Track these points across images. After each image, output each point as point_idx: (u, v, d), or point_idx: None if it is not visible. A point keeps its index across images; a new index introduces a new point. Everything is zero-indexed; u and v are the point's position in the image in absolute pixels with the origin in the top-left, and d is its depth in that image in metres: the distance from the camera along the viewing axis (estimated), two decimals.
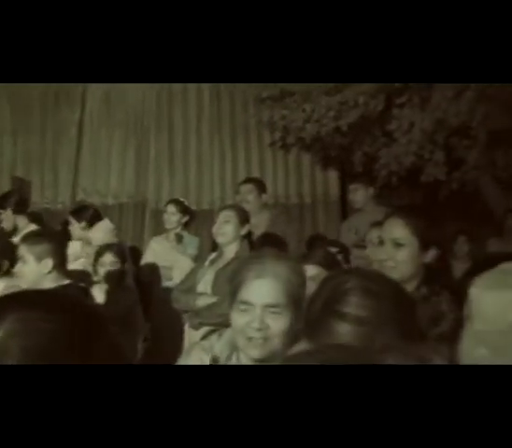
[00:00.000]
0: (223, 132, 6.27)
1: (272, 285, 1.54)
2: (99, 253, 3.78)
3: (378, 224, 2.75)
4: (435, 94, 5.14)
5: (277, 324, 1.53)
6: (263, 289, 1.54)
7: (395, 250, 2.07)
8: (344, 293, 1.25)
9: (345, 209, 6.18)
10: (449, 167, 5.37)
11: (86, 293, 2.95)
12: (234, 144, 6.26)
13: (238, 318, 1.56)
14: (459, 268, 4.43)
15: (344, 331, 1.21)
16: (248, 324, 1.54)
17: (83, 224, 4.15)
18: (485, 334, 0.86)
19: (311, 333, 1.26)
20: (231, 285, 1.62)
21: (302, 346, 1.27)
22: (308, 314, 1.33)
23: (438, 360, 0.78)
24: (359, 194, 5.10)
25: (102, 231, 4.11)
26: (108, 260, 3.72)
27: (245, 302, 1.55)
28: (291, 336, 1.55)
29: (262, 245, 3.82)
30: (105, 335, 0.84)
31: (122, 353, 0.87)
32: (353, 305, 1.22)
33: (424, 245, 2.08)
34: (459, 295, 1.94)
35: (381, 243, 2.13)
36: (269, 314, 1.53)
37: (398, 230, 2.09)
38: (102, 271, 3.72)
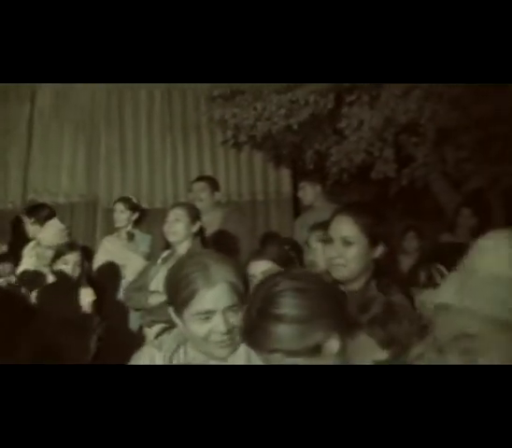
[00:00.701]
0: (175, 130, 6.24)
1: (224, 289, 1.55)
2: (60, 252, 3.69)
3: (320, 226, 2.78)
4: (384, 93, 5.23)
5: (239, 319, 1.54)
6: (217, 296, 1.54)
7: (345, 248, 2.10)
8: (276, 296, 1.29)
9: (297, 206, 6.24)
10: (399, 164, 5.46)
11: (25, 293, 2.90)
12: (186, 142, 6.24)
13: (200, 328, 1.55)
14: (407, 263, 4.55)
15: (283, 332, 1.25)
16: (213, 330, 1.54)
17: (35, 223, 4.08)
18: (468, 281, 0.93)
19: (252, 339, 1.30)
20: (177, 297, 1.59)
21: None
22: (246, 321, 1.36)
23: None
24: (308, 191, 5.16)
25: (51, 231, 4.05)
26: (72, 260, 3.64)
27: (205, 312, 1.55)
28: None
29: (214, 243, 3.83)
30: (35, 335, 0.84)
31: (56, 353, 0.87)
32: (287, 306, 1.27)
33: (373, 242, 2.13)
34: (405, 287, 2.00)
35: (330, 240, 2.16)
36: (230, 313, 1.54)
37: (347, 227, 2.12)
38: (58, 271, 3.64)
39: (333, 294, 1.33)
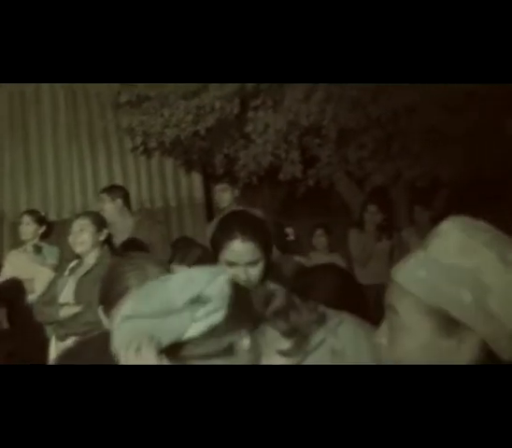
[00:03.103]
0: (82, 138, 6.16)
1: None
2: None
3: None
4: (287, 96, 5.37)
5: None
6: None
7: (250, 268, 1.98)
8: None
9: (211, 210, 6.29)
10: (305, 165, 5.62)
11: None
12: (94, 150, 6.17)
13: None
14: (318, 258, 4.69)
15: (197, 339, 1.23)
16: None
17: None
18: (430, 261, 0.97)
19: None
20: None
21: None
22: None
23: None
24: (223, 195, 5.22)
25: None
26: None
27: None
28: None
29: (126, 251, 3.82)
30: None
31: None
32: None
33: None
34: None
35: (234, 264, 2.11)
36: None
37: (248, 255, 1.98)
38: None
39: (236, 290, 1.36)
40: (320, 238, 4.80)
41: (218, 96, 5.35)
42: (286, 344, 1.30)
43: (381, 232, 4.93)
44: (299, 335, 1.31)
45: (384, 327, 1.01)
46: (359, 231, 4.97)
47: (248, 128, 5.50)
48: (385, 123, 5.28)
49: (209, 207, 6.34)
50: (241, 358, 1.25)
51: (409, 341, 0.96)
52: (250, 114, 5.49)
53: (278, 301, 1.32)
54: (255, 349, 1.29)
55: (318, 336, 1.31)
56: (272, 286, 1.38)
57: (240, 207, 4.18)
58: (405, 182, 5.79)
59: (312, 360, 1.29)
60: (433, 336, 0.94)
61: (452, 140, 5.14)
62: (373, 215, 4.91)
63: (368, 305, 1.88)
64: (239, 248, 1.95)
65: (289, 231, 4.20)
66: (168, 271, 1.63)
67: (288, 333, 1.31)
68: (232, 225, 2.02)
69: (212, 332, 1.21)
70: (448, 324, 0.93)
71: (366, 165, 5.60)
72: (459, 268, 0.94)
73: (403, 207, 5.84)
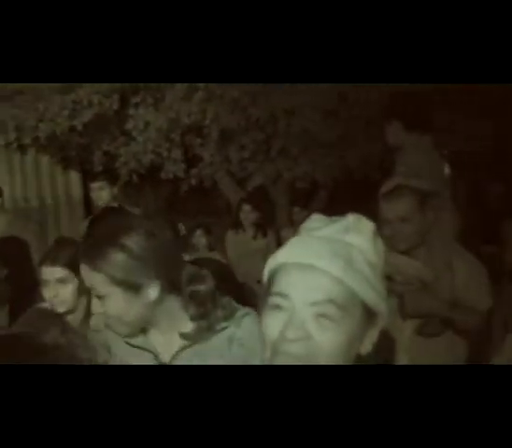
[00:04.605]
0: None
1: None
2: None
3: None
4: (168, 95, 5.32)
5: None
6: None
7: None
8: (129, 229, 1.32)
9: (90, 209, 6.12)
10: (188, 164, 5.60)
11: None
12: None
13: None
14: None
15: (117, 259, 1.29)
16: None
17: None
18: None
19: (88, 257, 1.32)
20: None
21: None
22: (88, 240, 1.38)
23: None
24: (101, 193, 5.09)
25: None
26: None
27: None
28: None
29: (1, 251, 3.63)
30: None
31: None
32: (135, 242, 1.31)
33: None
34: None
35: None
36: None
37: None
38: None
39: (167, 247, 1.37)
40: (199, 238, 4.80)
41: (95, 91, 5.20)
42: (189, 327, 1.34)
43: (257, 231, 5.00)
44: (204, 323, 1.34)
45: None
46: (235, 231, 5.01)
47: (129, 125, 5.41)
48: (264, 125, 5.36)
49: (88, 205, 6.17)
50: (140, 306, 1.29)
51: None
52: (131, 111, 5.39)
53: (202, 287, 1.34)
54: (156, 307, 1.30)
55: (221, 325, 1.36)
56: (205, 272, 1.40)
57: (115, 204, 4.11)
58: (284, 183, 5.92)
59: (208, 345, 1.34)
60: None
61: (327, 143, 5.31)
62: (247, 214, 4.97)
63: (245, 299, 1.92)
64: None
65: (181, 226, 4.15)
66: None
67: (194, 318, 1.34)
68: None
69: (132, 262, 1.28)
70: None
71: (248, 166, 5.66)
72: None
73: (283, 208, 5.96)
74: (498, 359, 1.49)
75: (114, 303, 1.31)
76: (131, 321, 1.32)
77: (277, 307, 0.90)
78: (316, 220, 0.99)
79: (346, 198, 5.74)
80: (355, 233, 0.94)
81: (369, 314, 0.92)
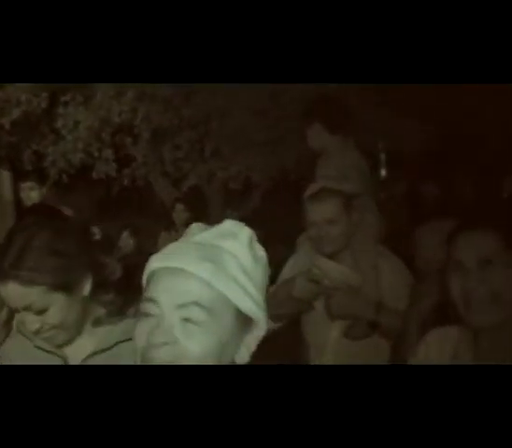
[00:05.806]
0: None
1: None
2: None
3: None
4: (99, 93, 5.23)
5: None
6: None
7: None
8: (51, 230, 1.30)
9: (21, 209, 5.96)
10: (120, 164, 5.52)
11: None
12: None
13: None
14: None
15: (49, 263, 1.24)
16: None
17: None
18: None
19: (19, 270, 1.24)
20: None
21: None
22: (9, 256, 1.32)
23: None
24: (31, 193, 4.97)
25: None
26: None
27: None
28: None
29: None
30: None
31: None
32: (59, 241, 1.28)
33: None
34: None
35: None
36: None
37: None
38: None
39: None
40: (126, 240, 4.72)
41: (23, 89, 5.07)
42: (100, 312, 1.32)
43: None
44: (114, 307, 1.33)
45: None
46: (168, 232, 4.98)
47: (58, 123, 5.30)
48: (196, 125, 5.34)
49: (19, 205, 6.00)
50: (74, 301, 1.26)
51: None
52: (60, 109, 5.29)
53: (114, 276, 1.33)
54: (89, 302, 1.30)
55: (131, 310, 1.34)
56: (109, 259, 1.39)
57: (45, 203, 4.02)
58: (218, 183, 5.91)
59: (104, 330, 1.32)
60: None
61: (261, 143, 5.33)
62: (180, 213, 4.94)
63: None
64: None
65: (95, 230, 4.07)
66: None
67: (103, 305, 1.33)
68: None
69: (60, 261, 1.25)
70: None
71: (183, 166, 5.63)
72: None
73: (217, 207, 5.96)
74: (414, 360, 1.53)
75: (58, 311, 1.24)
76: (72, 325, 1.29)
77: (147, 314, 0.90)
78: (195, 228, 1.00)
79: (279, 199, 5.76)
80: (230, 239, 0.94)
81: (245, 320, 0.92)
